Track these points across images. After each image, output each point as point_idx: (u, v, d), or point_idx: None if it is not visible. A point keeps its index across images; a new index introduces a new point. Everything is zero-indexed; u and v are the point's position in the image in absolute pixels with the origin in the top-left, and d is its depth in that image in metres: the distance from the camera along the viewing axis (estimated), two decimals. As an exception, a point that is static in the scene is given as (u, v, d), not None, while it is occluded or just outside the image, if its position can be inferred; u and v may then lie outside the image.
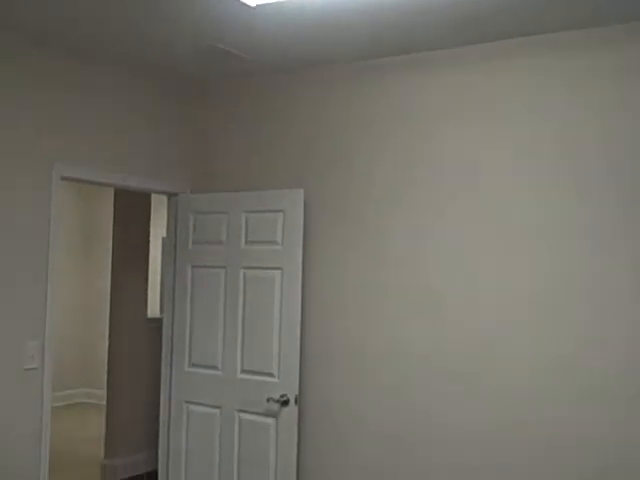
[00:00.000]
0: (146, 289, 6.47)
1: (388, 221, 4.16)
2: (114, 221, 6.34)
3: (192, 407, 4.63)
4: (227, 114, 4.82)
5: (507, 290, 3.78)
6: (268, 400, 4.27)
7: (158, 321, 6.51)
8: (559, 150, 3.67)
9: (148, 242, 6.51)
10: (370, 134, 4.25)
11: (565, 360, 3.61)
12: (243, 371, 4.43)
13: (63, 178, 4.10)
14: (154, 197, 8.06)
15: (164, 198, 8.21)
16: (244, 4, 3.36)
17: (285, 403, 4.23)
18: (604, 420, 3.50)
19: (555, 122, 3.69)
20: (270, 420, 4.30)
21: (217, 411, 4.51)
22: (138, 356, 6.36)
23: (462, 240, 3.92)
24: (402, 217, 4.12)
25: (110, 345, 6.25)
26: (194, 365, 4.63)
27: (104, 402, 9.00)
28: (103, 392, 9.25)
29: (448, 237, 3.97)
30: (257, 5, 3.38)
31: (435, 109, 4.04)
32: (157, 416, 6.50)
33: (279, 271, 4.31)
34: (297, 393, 4.22)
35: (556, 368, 3.63)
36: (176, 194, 4.83)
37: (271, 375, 4.31)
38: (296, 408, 4.22)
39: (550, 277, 3.67)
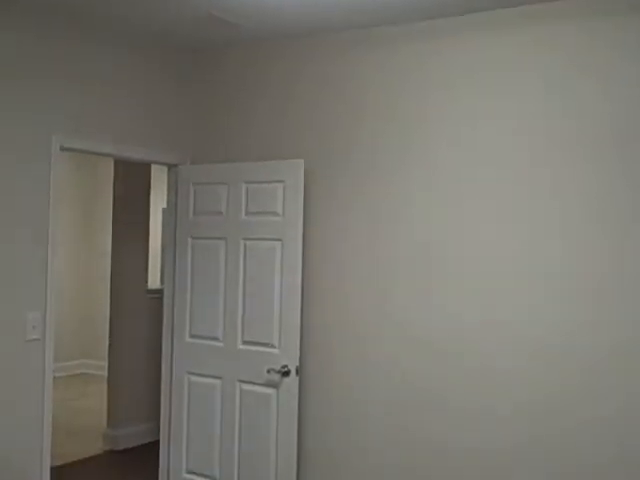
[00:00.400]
0: (147, 260, 6.48)
1: (389, 190, 4.14)
2: (114, 193, 6.32)
3: (193, 378, 4.65)
4: (227, 84, 4.78)
5: (514, 263, 3.78)
6: (269, 371, 4.28)
7: (159, 292, 6.52)
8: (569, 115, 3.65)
9: (148, 213, 6.50)
10: (371, 103, 4.21)
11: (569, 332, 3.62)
12: (244, 342, 4.44)
13: (62, 149, 4.07)
14: (154, 168, 8.05)
15: (164, 169, 8.19)
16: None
17: (286, 374, 4.25)
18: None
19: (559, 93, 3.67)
20: (271, 391, 4.31)
21: (218, 382, 4.53)
22: (139, 327, 6.38)
23: (467, 207, 3.91)
24: (404, 185, 4.10)
25: (111, 316, 6.27)
26: (195, 336, 4.64)
27: (106, 373, 9.05)
28: (105, 363, 9.30)
29: (452, 204, 3.95)
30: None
31: (437, 79, 4.00)
32: (158, 386, 6.54)
33: (279, 242, 4.30)
34: (298, 364, 4.23)
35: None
36: (176, 165, 4.80)
37: (272, 346, 4.32)
38: (297, 379, 4.23)
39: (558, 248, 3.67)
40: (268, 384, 4.32)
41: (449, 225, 3.95)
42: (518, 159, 3.76)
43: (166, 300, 4.83)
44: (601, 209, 3.54)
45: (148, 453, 6.12)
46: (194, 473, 4.63)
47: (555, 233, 3.65)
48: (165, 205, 8.90)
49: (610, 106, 3.53)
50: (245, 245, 4.44)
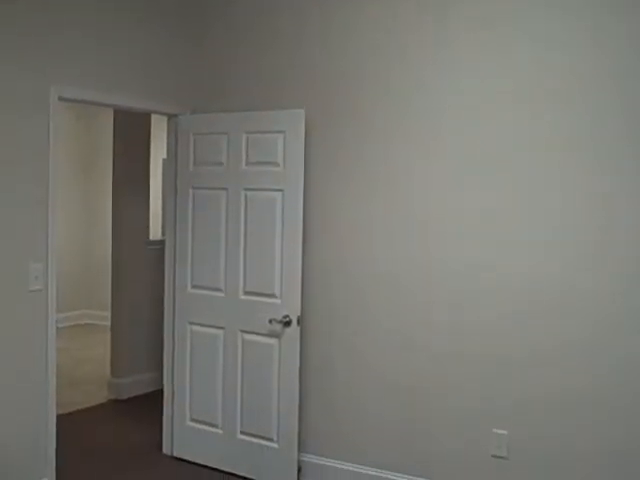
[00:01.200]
0: (147, 211, 6.47)
1: (390, 140, 4.12)
2: (114, 143, 6.28)
3: (195, 328, 4.68)
4: (228, 34, 4.71)
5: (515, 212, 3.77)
6: (271, 321, 4.30)
7: (160, 243, 6.53)
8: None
9: (149, 163, 6.47)
10: (373, 54, 4.15)
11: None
12: (245, 292, 4.45)
13: (61, 99, 4.03)
14: (154, 117, 7.98)
15: (164, 118, 8.12)
16: None
17: (287, 324, 4.27)
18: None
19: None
20: (273, 340, 4.34)
21: (221, 332, 4.56)
22: (141, 278, 6.40)
23: (466, 157, 3.89)
24: (404, 136, 4.07)
25: (113, 267, 6.29)
26: (197, 287, 4.66)
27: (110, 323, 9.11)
28: (109, 313, 9.36)
29: (452, 155, 3.93)
30: None
31: (434, 29, 3.94)
32: (162, 336, 6.59)
33: (280, 192, 4.29)
34: (299, 314, 4.25)
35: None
36: (176, 115, 4.76)
37: (273, 296, 4.33)
38: (298, 329, 4.25)
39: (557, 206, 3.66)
40: (270, 334, 4.35)
41: (448, 175, 3.94)
42: (519, 112, 3.73)
43: (168, 251, 4.84)
44: (599, 150, 3.51)
45: (152, 402, 6.19)
46: (197, 421, 4.69)
47: (555, 182, 3.64)
48: (165, 155, 8.85)
49: (605, 47, 3.48)
50: (246, 195, 4.42)
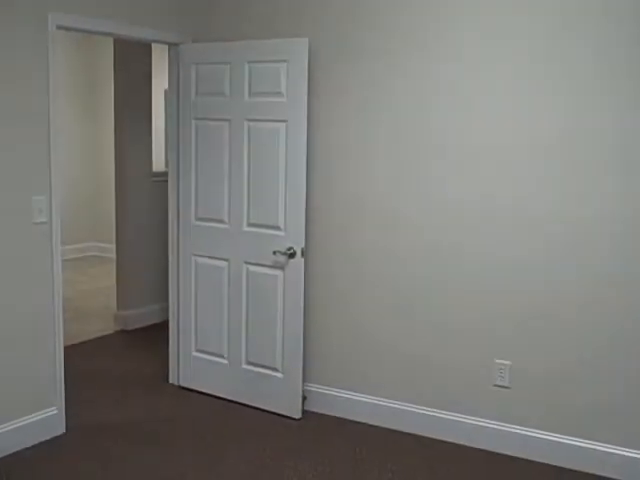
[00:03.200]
0: (150, 142, 6.41)
1: (395, 69, 4.04)
2: (115, 74, 6.19)
3: (200, 260, 4.69)
4: (227, -43, 4.60)
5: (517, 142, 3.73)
6: (275, 253, 4.31)
7: (164, 175, 6.50)
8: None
9: (150, 94, 6.38)
10: (378, -22, 4.06)
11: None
12: (249, 224, 4.44)
13: (59, 27, 3.94)
14: (155, 48, 7.85)
15: (166, 48, 7.99)
16: None
17: (292, 255, 4.27)
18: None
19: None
20: (277, 272, 4.35)
21: (225, 263, 4.57)
22: (145, 210, 6.39)
23: (473, 90, 3.83)
24: (409, 64, 4.00)
25: (116, 200, 6.27)
26: (201, 218, 4.65)
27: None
28: (114, 245, 9.39)
29: (459, 84, 3.87)
30: None
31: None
32: (167, 268, 6.62)
33: (284, 123, 4.23)
34: (303, 246, 4.25)
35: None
36: (177, 44, 4.67)
37: (277, 228, 4.33)
38: (302, 260, 4.26)
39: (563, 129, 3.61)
40: (274, 265, 4.36)
41: (461, 107, 3.88)
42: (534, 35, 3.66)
43: (171, 183, 4.81)
44: (603, 80, 3.46)
45: (158, 333, 6.26)
46: (203, 352, 4.75)
47: (558, 107, 3.59)
48: (167, 86, 8.74)
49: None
50: (249, 126, 4.37)
